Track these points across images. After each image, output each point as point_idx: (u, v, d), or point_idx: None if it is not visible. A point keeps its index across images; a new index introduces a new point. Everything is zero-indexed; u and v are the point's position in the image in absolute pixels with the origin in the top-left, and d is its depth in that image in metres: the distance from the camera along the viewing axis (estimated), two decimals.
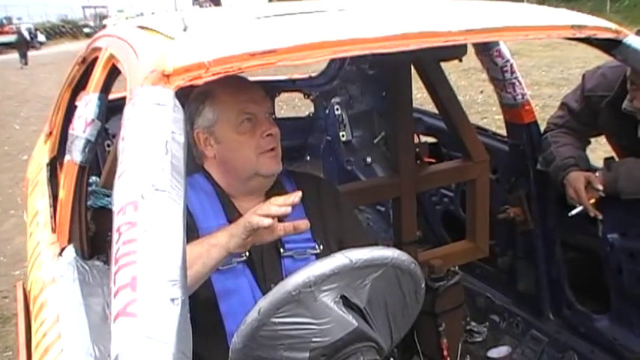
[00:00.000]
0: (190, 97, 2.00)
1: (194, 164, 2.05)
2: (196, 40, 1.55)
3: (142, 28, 1.83)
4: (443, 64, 2.99)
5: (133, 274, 1.07)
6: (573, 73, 12.78)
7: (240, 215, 1.89)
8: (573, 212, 2.81)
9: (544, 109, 9.26)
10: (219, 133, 1.97)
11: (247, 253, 1.90)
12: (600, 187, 2.70)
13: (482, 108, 10.67)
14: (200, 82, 1.39)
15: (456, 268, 3.06)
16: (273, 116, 2.12)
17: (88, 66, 2.50)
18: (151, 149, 1.23)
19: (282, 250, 1.99)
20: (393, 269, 1.63)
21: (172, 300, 1.05)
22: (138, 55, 1.60)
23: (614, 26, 2.13)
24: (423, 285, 1.75)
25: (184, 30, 1.59)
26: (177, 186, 1.20)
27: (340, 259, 1.52)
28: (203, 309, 1.78)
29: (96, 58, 2.22)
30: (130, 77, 1.53)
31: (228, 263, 1.87)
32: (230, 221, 1.89)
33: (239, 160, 1.98)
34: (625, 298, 2.80)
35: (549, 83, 14.03)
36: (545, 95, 12.09)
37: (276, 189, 2.05)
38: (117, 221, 1.15)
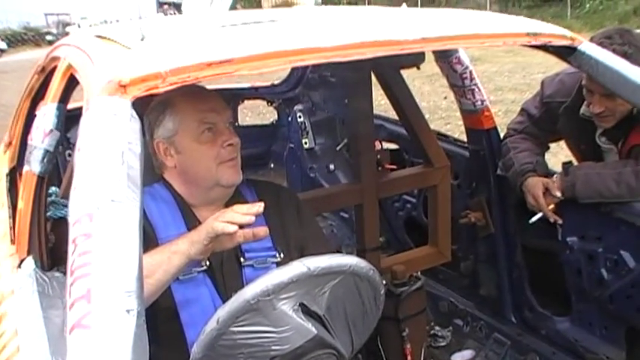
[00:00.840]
0: (150, 107, 1.99)
1: (153, 174, 2.05)
2: (153, 49, 1.54)
3: (100, 37, 1.82)
4: (407, 70, 3.00)
5: (88, 285, 1.07)
6: (535, 79, 12.91)
7: (201, 224, 1.90)
8: (533, 219, 2.85)
9: (507, 114, 9.36)
10: (180, 143, 1.96)
11: (207, 263, 1.90)
12: (558, 194, 2.74)
13: (446, 114, 10.74)
14: (157, 92, 1.38)
15: (419, 273, 3.08)
16: (236, 123, 2.12)
17: (47, 75, 2.48)
18: (107, 160, 1.23)
19: (242, 259, 1.99)
20: (351, 276, 1.65)
21: (128, 311, 1.05)
22: (95, 65, 1.59)
23: (569, 33, 2.17)
24: (382, 291, 1.76)
25: (142, 40, 1.59)
26: (134, 197, 1.20)
27: (298, 267, 1.53)
28: (163, 319, 1.78)
29: (55, 68, 2.20)
30: (86, 87, 1.52)
31: (189, 273, 1.86)
32: (190, 230, 1.89)
33: (199, 170, 1.98)
34: (585, 300, 2.83)
35: (512, 88, 14.17)
36: (508, 100, 12.20)
37: (235, 199, 2.05)
38: (73, 232, 1.15)
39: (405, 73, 3.02)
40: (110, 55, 1.59)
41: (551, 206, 2.78)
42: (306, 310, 1.58)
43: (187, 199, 2.02)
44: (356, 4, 41.35)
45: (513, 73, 16.50)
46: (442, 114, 10.94)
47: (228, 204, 1.99)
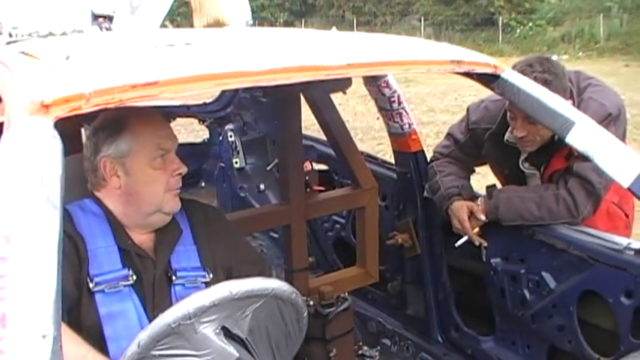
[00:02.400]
0: (99, 123, 1.98)
1: (83, 188, 2.02)
2: (78, 69, 1.52)
3: (24, 53, 1.78)
4: None
5: (3, 310, 1.05)
6: (466, 101, 13.17)
7: (133, 242, 1.94)
8: (459, 242, 2.91)
9: (438, 135, 9.51)
10: (131, 165, 1.94)
11: (134, 277, 1.89)
12: (482, 217, 2.81)
13: (379, 134, 10.86)
14: (80, 112, 1.36)
15: (346, 293, 3.09)
16: None
17: None
18: (26, 181, 1.20)
19: (173, 277, 1.98)
20: (274, 300, 1.65)
21: (44, 336, 1.04)
22: (17, 83, 1.56)
23: (492, 61, 2.22)
24: (305, 314, 1.77)
25: (67, 58, 1.56)
26: (53, 219, 1.18)
27: (220, 290, 1.53)
28: (86, 332, 1.76)
29: None
30: (8, 105, 1.49)
31: (115, 287, 1.85)
32: (119, 245, 1.91)
33: (147, 195, 1.96)
34: (508, 320, 2.89)
35: (444, 110, 14.44)
36: (440, 122, 12.42)
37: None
38: None
39: (340, 93, 3.05)
40: (33, 73, 1.56)
41: (476, 229, 2.84)
42: (228, 334, 1.58)
43: (121, 219, 1.99)
44: (292, 23, 41.57)
45: (446, 94, 16.82)
46: (375, 134, 11.06)
47: (161, 228, 2.01)
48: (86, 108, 1.36)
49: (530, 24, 35.38)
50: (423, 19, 39.58)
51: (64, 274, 1.70)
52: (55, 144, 1.29)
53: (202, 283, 2.01)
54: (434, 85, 18.31)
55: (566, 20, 34.43)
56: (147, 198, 1.96)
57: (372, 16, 42.77)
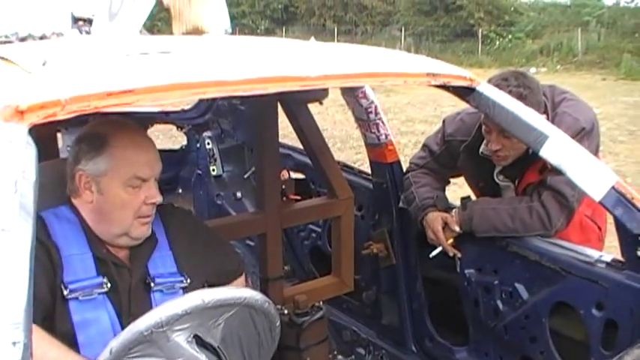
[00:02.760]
0: (83, 134, 1.97)
1: (60, 194, 2.01)
2: (54, 75, 1.51)
3: (1, 58, 1.79)
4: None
5: None
6: (445, 111, 13.25)
7: (108, 251, 1.94)
8: (434, 253, 2.93)
9: (416, 145, 9.56)
10: (105, 185, 1.93)
11: (109, 285, 1.88)
12: (457, 228, 2.83)
13: (357, 143, 10.89)
14: (56, 119, 1.36)
15: (321, 303, 3.10)
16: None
17: None
18: None
19: (152, 284, 1.98)
20: (246, 308, 1.66)
21: (14, 343, 1.04)
22: None
23: (468, 74, 2.24)
24: (277, 323, 1.78)
25: (43, 64, 1.56)
26: (25, 226, 1.18)
27: (192, 299, 1.54)
28: (60, 340, 1.75)
29: None
30: None
31: (89, 294, 1.85)
32: (94, 253, 1.91)
33: (116, 217, 1.95)
34: (481, 331, 2.91)
35: (423, 120, 14.49)
36: (419, 132, 12.47)
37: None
38: None
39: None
40: (9, 79, 1.55)
41: (450, 240, 2.86)
42: (200, 342, 1.58)
43: (95, 230, 1.98)
44: (273, 31, 41.58)
45: (425, 105, 16.89)
46: (354, 143, 11.09)
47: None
48: (61, 115, 1.35)
49: (510, 36, 35.66)
50: (403, 29, 39.73)
51: (38, 280, 1.71)
52: (29, 150, 1.28)
53: (180, 288, 2.02)
54: (413, 95, 18.40)
55: (545, 33, 34.73)
56: (115, 220, 1.95)
57: (353, 25, 42.85)
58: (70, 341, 1.80)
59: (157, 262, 2.04)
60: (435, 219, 2.88)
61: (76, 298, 1.82)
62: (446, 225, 2.86)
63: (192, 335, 1.56)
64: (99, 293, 1.88)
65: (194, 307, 1.53)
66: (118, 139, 1.92)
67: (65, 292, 1.82)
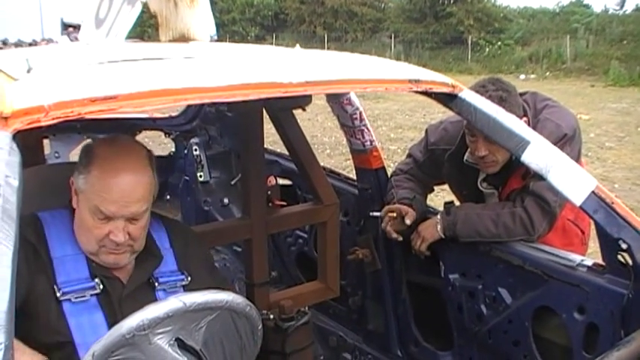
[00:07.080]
0: (90, 145, 1.97)
1: (45, 199, 2.03)
2: (39, 82, 1.52)
3: None
4: (311, 105, 3.04)
5: None
6: (434, 118, 13.26)
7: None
8: (374, 214, 3.11)
9: (405, 152, 9.58)
10: (80, 202, 1.91)
11: (102, 286, 1.89)
12: (408, 222, 2.92)
13: (346, 149, 10.88)
14: (39, 125, 1.37)
15: (307, 308, 3.11)
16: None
17: None
18: None
19: (156, 283, 2.01)
20: (228, 312, 1.67)
21: None
22: None
23: (450, 81, 2.26)
24: (259, 327, 1.79)
25: (28, 71, 1.57)
26: (8, 230, 1.19)
27: (174, 302, 1.55)
28: (55, 342, 1.79)
29: None
30: None
31: (81, 296, 1.86)
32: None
33: (83, 237, 1.93)
34: (465, 335, 2.93)
35: (412, 127, 14.52)
36: (408, 138, 12.50)
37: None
38: None
39: (309, 108, 3.08)
40: None
41: (395, 235, 2.99)
42: (182, 345, 1.59)
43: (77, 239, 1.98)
44: (263, 38, 41.60)
45: (414, 111, 16.93)
46: (343, 150, 11.10)
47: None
48: (45, 121, 1.36)
49: (499, 43, 35.85)
50: (393, 36, 39.86)
51: (26, 281, 1.72)
52: (13, 156, 1.30)
53: (181, 286, 2.05)
54: (403, 102, 18.45)
55: (534, 40, 34.93)
56: (82, 239, 1.93)
57: (342, 32, 42.94)
58: (69, 342, 1.82)
59: None
60: (395, 207, 3.00)
61: (69, 300, 1.83)
62: (402, 218, 2.94)
63: (174, 338, 1.57)
64: (91, 295, 1.89)
65: (176, 311, 1.54)
66: (101, 165, 1.86)
67: (58, 294, 1.83)
